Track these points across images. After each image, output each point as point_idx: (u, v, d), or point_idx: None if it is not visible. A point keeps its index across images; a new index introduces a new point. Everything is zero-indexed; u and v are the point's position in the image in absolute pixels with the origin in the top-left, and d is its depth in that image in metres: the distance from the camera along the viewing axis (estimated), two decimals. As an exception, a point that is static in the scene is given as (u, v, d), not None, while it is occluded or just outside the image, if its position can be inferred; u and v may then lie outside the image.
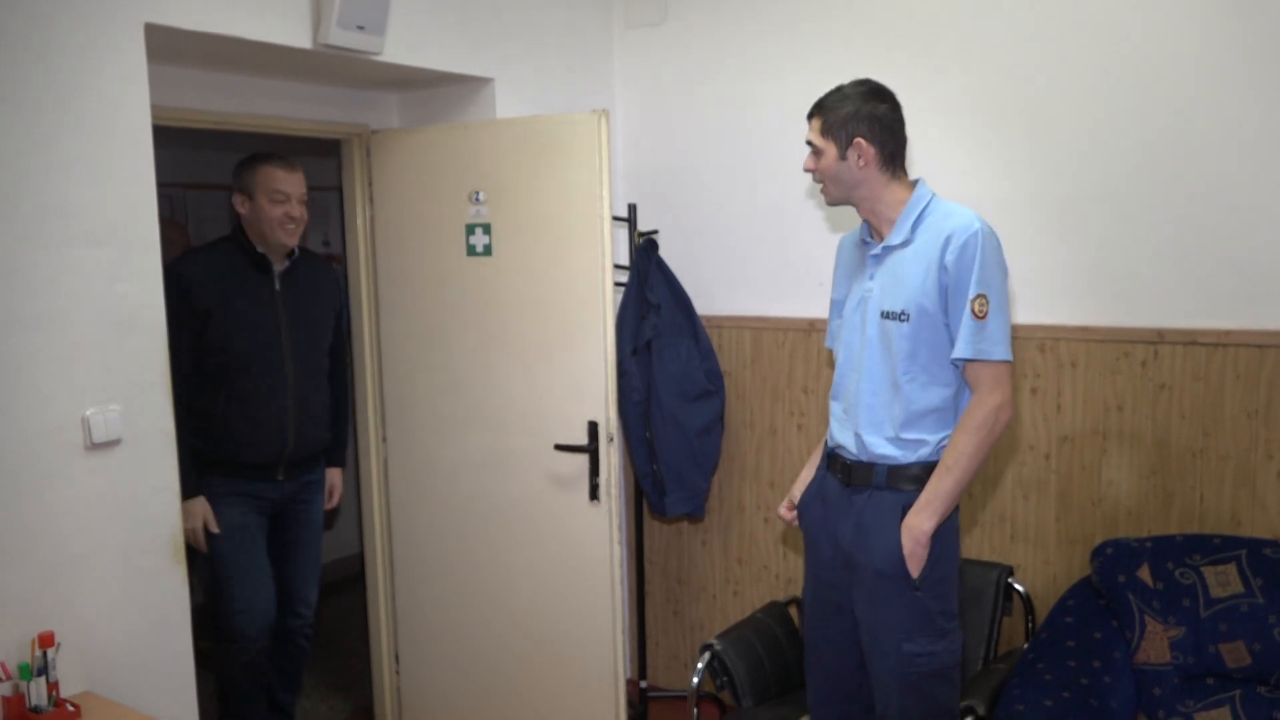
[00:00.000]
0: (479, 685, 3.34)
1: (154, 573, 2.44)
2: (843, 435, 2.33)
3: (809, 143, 2.28)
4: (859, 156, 2.22)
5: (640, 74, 3.72)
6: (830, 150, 2.24)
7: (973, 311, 2.13)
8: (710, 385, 3.47)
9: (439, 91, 3.34)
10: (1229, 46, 2.68)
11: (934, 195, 2.26)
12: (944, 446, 2.21)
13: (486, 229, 3.12)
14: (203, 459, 2.93)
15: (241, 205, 2.96)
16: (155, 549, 2.44)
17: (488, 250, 3.13)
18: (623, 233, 3.55)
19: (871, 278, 2.28)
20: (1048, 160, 2.94)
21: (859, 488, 2.28)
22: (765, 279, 3.51)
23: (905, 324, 2.20)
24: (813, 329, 3.40)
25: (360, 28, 2.69)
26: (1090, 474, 2.95)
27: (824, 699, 2.46)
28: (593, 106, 3.50)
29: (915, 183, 2.28)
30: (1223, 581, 2.56)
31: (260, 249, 2.98)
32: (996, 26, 2.99)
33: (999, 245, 2.17)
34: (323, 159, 4.95)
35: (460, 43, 3.08)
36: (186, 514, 2.75)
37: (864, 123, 2.21)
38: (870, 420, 2.25)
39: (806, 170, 2.32)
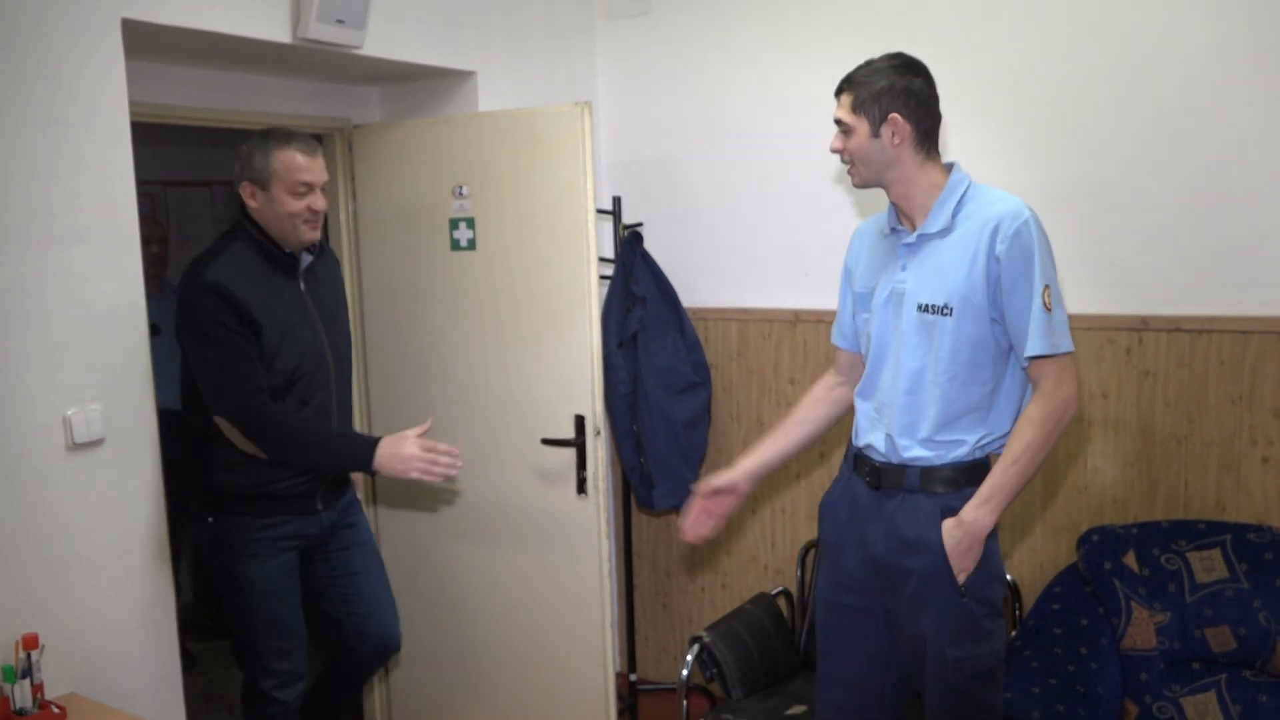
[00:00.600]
0: (468, 681, 3.34)
1: (139, 573, 2.42)
2: (873, 435, 2.19)
3: (838, 121, 2.12)
4: (893, 134, 2.06)
5: (623, 65, 3.70)
6: (862, 127, 2.08)
7: (1044, 304, 2.02)
8: (697, 377, 3.47)
9: (421, 85, 3.32)
10: (1216, 38, 2.69)
11: (971, 179, 2.14)
12: (982, 447, 2.11)
13: (470, 223, 3.10)
14: (226, 494, 2.49)
15: (252, 196, 2.43)
16: (139, 549, 2.42)
17: (472, 244, 3.11)
18: (607, 225, 3.54)
19: (904, 268, 2.13)
20: (1033, 148, 2.95)
21: (890, 491, 2.15)
22: (751, 270, 3.50)
23: (948, 318, 2.05)
24: (798, 320, 3.40)
25: (340, 21, 2.67)
26: (1076, 462, 2.96)
27: (840, 707, 2.32)
28: (576, 99, 3.48)
29: (950, 166, 2.15)
30: (1208, 567, 2.58)
31: (286, 247, 2.49)
32: (983, 15, 2.99)
33: (1046, 233, 2.08)
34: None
35: (442, 36, 3.07)
36: (397, 460, 2.42)
37: (899, 97, 2.06)
38: (904, 421, 2.11)
39: (834, 151, 2.15)
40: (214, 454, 2.48)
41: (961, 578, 2.06)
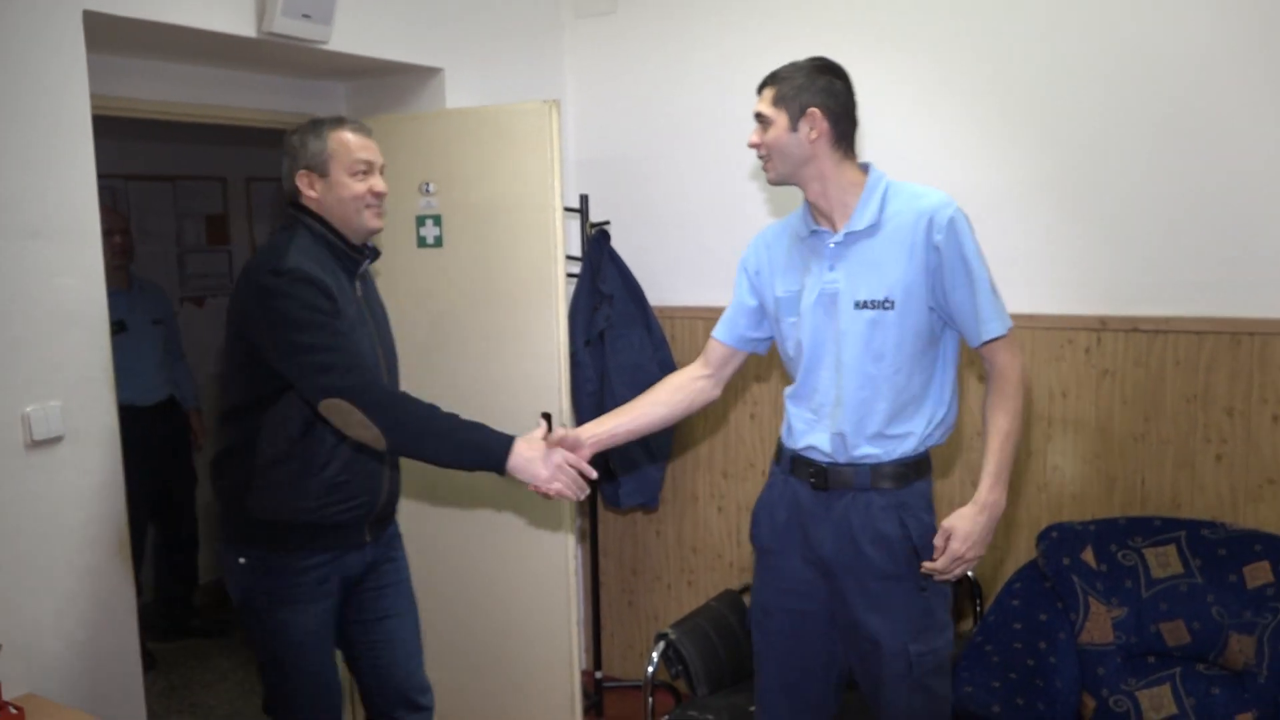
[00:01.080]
0: (434, 678, 3.32)
1: (98, 572, 2.39)
2: (813, 437, 2.19)
3: (758, 115, 2.15)
4: (811, 129, 2.10)
5: (591, 63, 3.71)
6: (781, 120, 2.11)
7: (991, 287, 2.09)
8: (663, 375, 3.48)
9: (388, 81, 3.31)
10: (1173, 44, 2.74)
11: (887, 177, 2.18)
12: (927, 438, 2.15)
13: (437, 220, 3.10)
14: (263, 526, 2.17)
15: (310, 186, 2.21)
16: (100, 548, 2.40)
17: (438, 242, 3.11)
18: (575, 223, 3.55)
19: (832, 268, 2.15)
20: (993, 150, 2.99)
21: (838, 491, 2.16)
22: (718, 269, 3.52)
23: (891, 311, 2.08)
24: (764, 319, 3.42)
25: (306, 16, 2.65)
26: (1036, 459, 3.00)
27: (787, 711, 2.32)
28: (543, 96, 3.48)
29: (866, 166, 2.19)
30: (1163, 562, 2.63)
31: (353, 238, 2.26)
32: (943, 19, 3.03)
33: None
34: (269, 149, 4.88)
35: (409, 32, 3.05)
36: (541, 467, 2.17)
37: (819, 94, 2.10)
38: (856, 418, 2.13)
39: (751, 145, 2.17)
40: (250, 472, 2.14)
41: (967, 565, 2.09)
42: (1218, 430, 2.76)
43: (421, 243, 3.13)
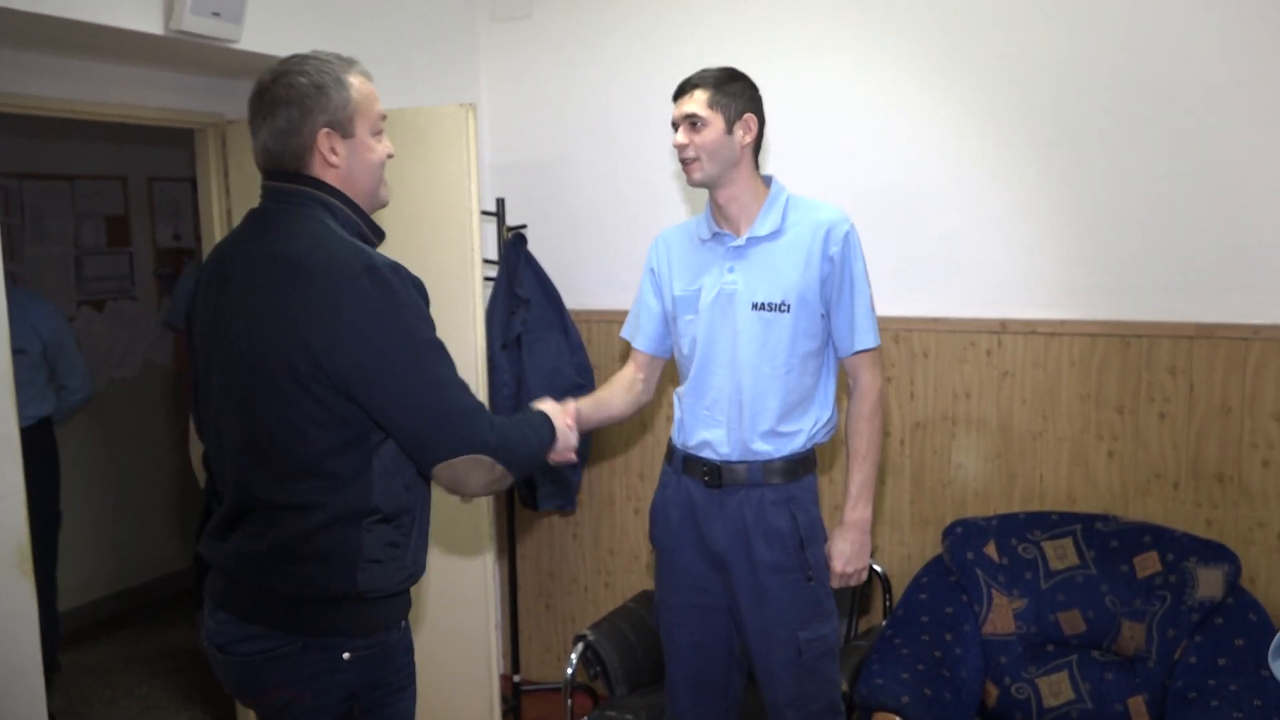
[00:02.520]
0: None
1: (-3, 585, 2.31)
2: (708, 433, 2.29)
3: (690, 115, 2.19)
4: (745, 133, 2.21)
5: (507, 67, 3.71)
6: (717, 123, 2.18)
7: (870, 303, 2.26)
8: (580, 379, 3.50)
9: (299, 81, 3.26)
10: (1076, 51, 2.86)
11: (787, 189, 2.31)
12: (813, 436, 2.28)
13: (351, 223, 3.06)
14: (369, 605, 1.70)
15: (334, 150, 1.67)
16: (-2, 560, 2.31)
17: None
18: (491, 227, 3.54)
19: (731, 270, 2.25)
20: (899, 156, 3.08)
21: (731, 488, 2.26)
22: (635, 272, 3.54)
23: (786, 314, 2.20)
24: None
25: (216, 14, 2.60)
26: (941, 458, 3.11)
27: (691, 703, 2.42)
28: (459, 99, 3.47)
29: (769, 178, 2.31)
30: (1060, 555, 2.75)
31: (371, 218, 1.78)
32: (855, 24, 3.11)
33: None
34: (173, 149, 4.76)
35: (322, 32, 3.01)
36: (568, 440, 1.97)
37: (752, 101, 2.23)
38: (751, 415, 2.23)
39: (680, 145, 2.21)
40: (358, 540, 1.65)
41: (857, 576, 2.28)
42: (1109, 428, 2.89)
43: (335, 245, 3.09)
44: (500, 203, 3.53)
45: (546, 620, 3.86)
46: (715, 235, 2.30)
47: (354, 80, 1.69)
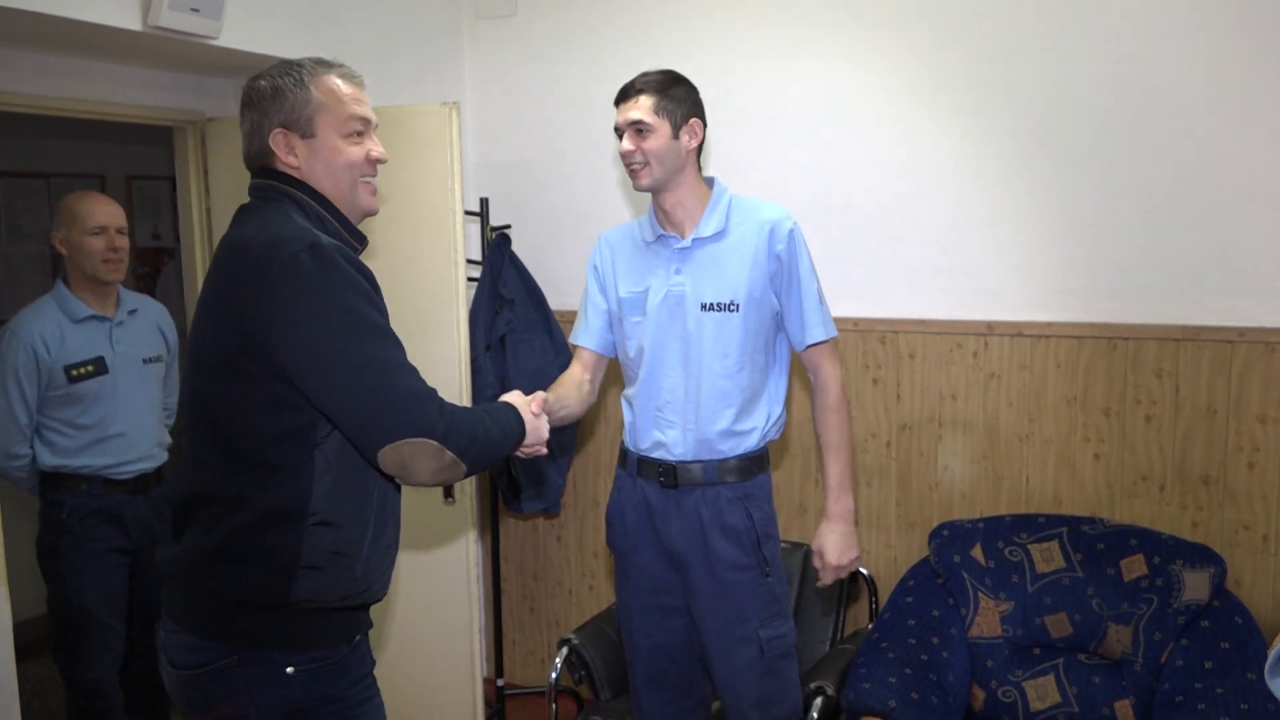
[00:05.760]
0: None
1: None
2: (661, 435, 2.29)
3: (636, 122, 2.20)
4: (690, 138, 2.24)
5: (491, 65, 3.67)
6: (664, 129, 2.20)
7: (819, 296, 2.28)
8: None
9: (280, 79, 3.22)
10: (1072, 49, 2.86)
11: (729, 190, 2.33)
12: (765, 434, 2.31)
13: (333, 222, 3.03)
14: (308, 618, 1.63)
15: (289, 150, 1.69)
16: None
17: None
18: (474, 227, 3.51)
19: (678, 272, 2.27)
20: (879, 158, 3.07)
21: (687, 488, 2.27)
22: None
23: (735, 313, 2.24)
24: (665, 324, 3.44)
25: (195, 10, 2.56)
26: (928, 460, 3.10)
27: (658, 704, 2.43)
28: (443, 98, 3.44)
29: (711, 180, 2.34)
30: (1047, 557, 2.74)
31: (350, 221, 1.78)
32: (841, 25, 3.10)
33: None
34: (152, 147, 4.70)
35: (304, 29, 2.98)
36: (537, 430, 1.86)
37: (696, 106, 2.26)
38: (707, 415, 2.25)
39: (627, 152, 2.22)
40: (296, 546, 1.57)
41: (849, 567, 2.31)
42: (1095, 430, 2.89)
43: (317, 245, 3.06)
44: (484, 202, 3.49)
45: (530, 623, 3.83)
46: (660, 238, 2.32)
47: (322, 81, 1.69)
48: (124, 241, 2.83)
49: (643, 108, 2.20)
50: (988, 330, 2.99)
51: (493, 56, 3.67)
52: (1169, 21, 2.70)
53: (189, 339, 1.70)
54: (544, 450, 1.91)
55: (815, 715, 2.55)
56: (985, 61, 2.92)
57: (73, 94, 2.83)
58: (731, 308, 2.23)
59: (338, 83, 1.70)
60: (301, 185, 1.68)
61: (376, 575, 1.68)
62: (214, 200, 3.19)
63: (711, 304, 2.24)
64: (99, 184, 4.85)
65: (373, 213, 1.77)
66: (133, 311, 2.92)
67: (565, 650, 2.94)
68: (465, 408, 1.68)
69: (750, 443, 2.28)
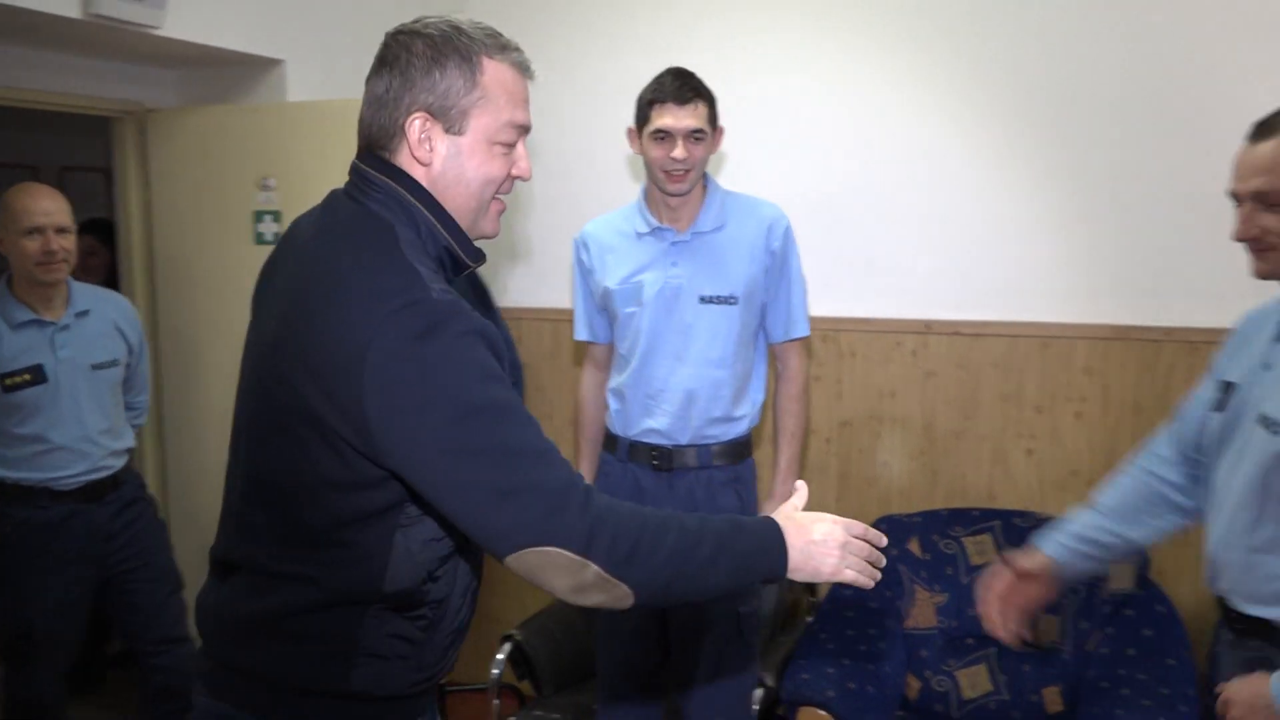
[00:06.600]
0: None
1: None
2: (653, 422, 2.35)
3: (697, 131, 2.25)
4: (717, 144, 2.37)
5: (437, 62, 3.65)
6: (712, 138, 2.32)
7: (805, 293, 2.41)
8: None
9: (224, 71, 3.17)
10: (1000, 55, 2.94)
11: (723, 186, 2.42)
12: (751, 419, 2.40)
13: (276, 216, 3.00)
14: (360, 706, 1.35)
15: (429, 145, 1.33)
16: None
17: (278, 239, 3.01)
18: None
19: (675, 264, 2.33)
20: (829, 160, 3.12)
21: (680, 471, 2.35)
22: (563, 271, 3.54)
23: (735, 306, 2.32)
24: (610, 321, 3.47)
25: (136, -1, 2.52)
26: (867, 456, 3.16)
27: (621, 689, 2.48)
28: (388, 93, 3.42)
29: (704, 176, 2.39)
30: (980, 550, 2.82)
31: (469, 244, 1.42)
32: (755, 32, 3.15)
33: None
34: (86, 136, 4.61)
35: (249, 20, 2.94)
36: (824, 551, 1.38)
37: (716, 112, 2.35)
38: (704, 404, 2.33)
39: (680, 159, 2.24)
40: (356, 626, 1.30)
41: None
42: (1028, 427, 2.98)
43: (259, 239, 3.03)
44: (430, 198, 3.48)
45: (472, 620, 3.82)
46: (655, 230, 2.36)
47: (493, 66, 1.33)
48: (64, 241, 2.62)
49: (702, 117, 2.26)
50: (926, 329, 3.06)
51: (439, 52, 3.65)
52: (1091, 23, 2.79)
53: (242, 373, 1.38)
54: (857, 579, 1.39)
55: (755, 707, 2.59)
56: (921, 63, 2.99)
57: (8, 83, 2.76)
58: (730, 300, 2.32)
59: (510, 74, 1.36)
60: (422, 193, 1.31)
61: (444, 656, 1.41)
62: (154, 193, 3.13)
63: (711, 296, 2.32)
64: (32, 176, 4.74)
65: (491, 237, 1.43)
66: (84, 313, 2.70)
67: (509, 646, 2.95)
68: (643, 510, 1.26)
69: (740, 429, 2.38)
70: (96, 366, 2.71)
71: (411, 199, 1.30)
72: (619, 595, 1.21)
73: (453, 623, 1.38)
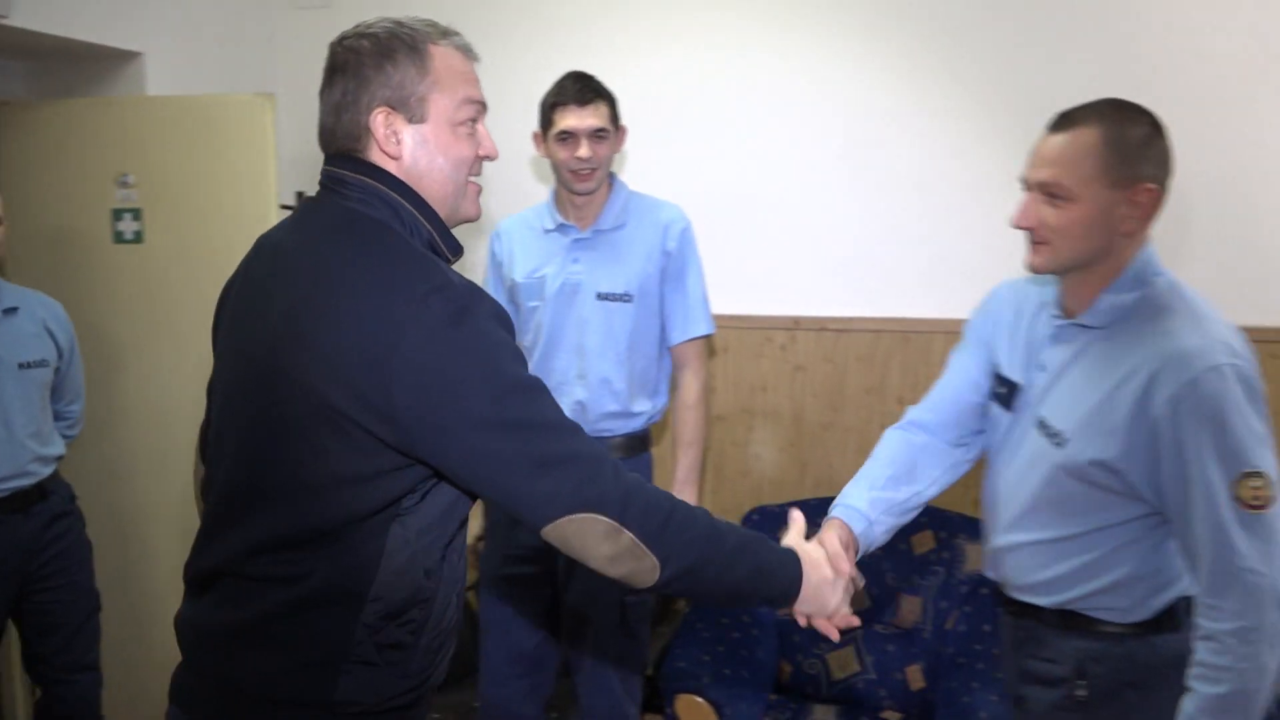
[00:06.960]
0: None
1: None
2: None
3: (600, 130, 2.31)
4: (621, 143, 2.42)
5: (307, 57, 3.54)
6: (615, 136, 2.37)
7: (704, 294, 2.44)
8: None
9: (79, 63, 3.06)
10: (868, 69, 3.05)
11: (628, 187, 2.47)
12: (651, 417, 2.44)
13: (136, 214, 2.91)
14: (374, 715, 1.32)
15: (395, 138, 1.34)
16: None
17: (138, 237, 2.92)
18: (291, 221, 3.43)
19: (576, 260, 2.39)
20: (696, 162, 3.20)
21: None
22: (472, 271, 3.53)
23: (629, 304, 2.37)
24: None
25: (-20, -13, 2.41)
26: (740, 449, 3.26)
27: (505, 676, 2.50)
28: (253, 88, 3.34)
29: (612, 176, 2.45)
30: (847, 537, 2.93)
31: (448, 229, 1.44)
32: (652, 36, 3.21)
33: None
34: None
35: (105, 11, 2.84)
36: (830, 591, 1.50)
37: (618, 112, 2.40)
38: (598, 398, 2.38)
39: (585, 159, 2.30)
40: (344, 629, 1.26)
41: None
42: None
43: (118, 238, 2.93)
44: (300, 196, 3.42)
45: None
46: (560, 227, 2.42)
47: (438, 52, 1.33)
48: None
49: (600, 115, 2.32)
50: (794, 325, 3.16)
51: (309, 47, 3.53)
52: (938, 31, 2.94)
53: (220, 382, 1.42)
54: (850, 620, 1.52)
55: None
56: (784, 69, 3.09)
57: None
58: (625, 298, 2.37)
59: (457, 56, 1.36)
60: (399, 185, 1.32)
61: (436, 663, 1.37)
62: (5, 190, 2.99)
63: (607, 293, 2.37)
64: None
65: (474, 219, 1.44)
66: (12, 310, 2.55)
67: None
68: (673, 495, 1.32)
69: (637, 424, 2.43)
70: (24, 365, 2.54)
71: (391, 192, 1.32)
72: (647, 567, 1.25)
73: (440, 622, 1.34)
